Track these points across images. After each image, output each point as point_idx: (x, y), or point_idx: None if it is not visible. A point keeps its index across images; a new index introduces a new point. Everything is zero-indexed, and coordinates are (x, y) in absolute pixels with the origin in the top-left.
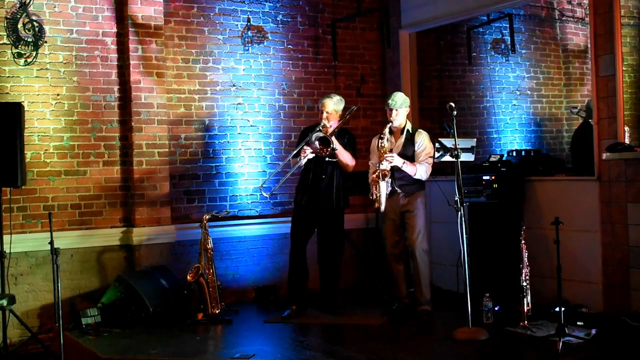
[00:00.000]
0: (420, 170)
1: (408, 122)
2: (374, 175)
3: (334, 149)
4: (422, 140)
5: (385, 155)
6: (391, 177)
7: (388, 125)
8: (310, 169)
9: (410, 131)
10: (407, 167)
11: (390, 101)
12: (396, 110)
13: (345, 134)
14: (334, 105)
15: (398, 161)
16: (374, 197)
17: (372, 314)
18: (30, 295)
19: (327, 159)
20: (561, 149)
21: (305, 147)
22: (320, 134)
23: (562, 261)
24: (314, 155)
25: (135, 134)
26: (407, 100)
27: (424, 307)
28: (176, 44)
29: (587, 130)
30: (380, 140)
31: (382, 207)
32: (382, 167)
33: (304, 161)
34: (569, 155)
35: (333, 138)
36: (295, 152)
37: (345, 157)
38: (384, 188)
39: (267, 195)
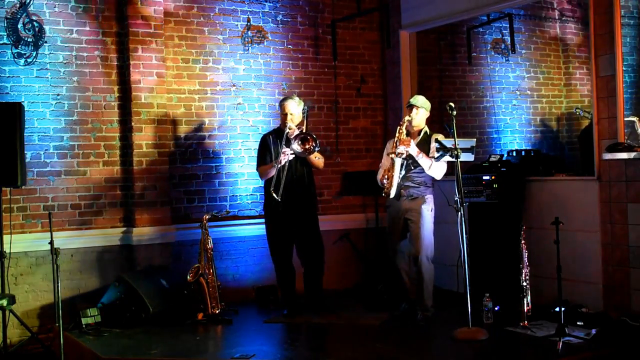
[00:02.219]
0: (436, 166)
1: (426, 126)
2: (393, 152)
3: (315, 146)
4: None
5: (404, 140)
6: (401, 178)
7: (406, 119)
8: (284, 176)
9: (428, 133)
10: (422, 159)
11: (411, 99)
12: (416, 108)
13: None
14: (297, 106)
15: (414, 150)
16: (386, 179)
17: (372, 313)
18: (30, 295)
19: (295, 158)
20: (561, 149)
21: (284, 150)
22: (301, 134)
23: (562, 261)
24: (293, 156)
25: (135, 134)
26: (428, 104)
27: (424, 313)
28: (176, 44)
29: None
30: (398, 129)
31: (392, 193)
32: (398, 150)
33: (284, 162)
34: (569, 155)
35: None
36: (279, 158)
37: (318, 156)
38: (397, 169)
39: (279, 198)
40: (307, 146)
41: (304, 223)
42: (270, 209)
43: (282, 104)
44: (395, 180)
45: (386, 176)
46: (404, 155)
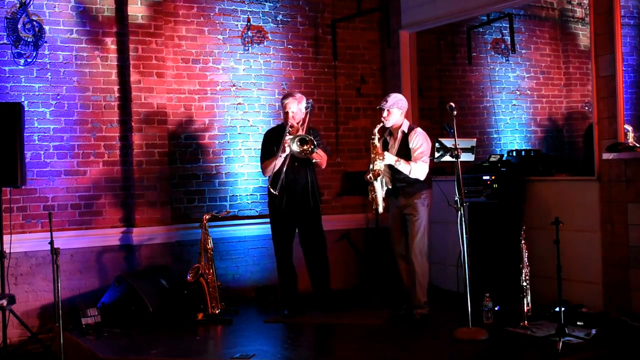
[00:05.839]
0: (415, 169)
1: (405, 121)
2: (367, 177)
3: (317, 146)
4: (416, 138)
5: (378, 154)
6: (391, 177)
7: (379, 125)
8: (283, 172)
9: (406, 131)
10: (401, 166)
11: (382, 102)
12: (387, 110)
13: (311, 131)
14: (298, 104)
15: (390, 159)
16: (371, 198)
17: (373, 313)
18: (30, 295)
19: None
20: (561, 149)
21: (285, 139)
22: (300, 135)
23: (562, 261)
24: (290, 154)
25: (135, 134)
26: (402, 101)
27: (419, 311)
28: (176, 44)
29: None
30: (371, 141)
31: (380, 209)
32: (375, 167)
33: (287, 151)
34: (570, 155)
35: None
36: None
37: (321, 153)
38: (378, 188)
39: (277, 192)
40: (304, 147)
41: (306, 222)
42: (274, 207)
43: (282, 102)
44: (380, 198)
45: (370, 195)
46: (381, 176)
